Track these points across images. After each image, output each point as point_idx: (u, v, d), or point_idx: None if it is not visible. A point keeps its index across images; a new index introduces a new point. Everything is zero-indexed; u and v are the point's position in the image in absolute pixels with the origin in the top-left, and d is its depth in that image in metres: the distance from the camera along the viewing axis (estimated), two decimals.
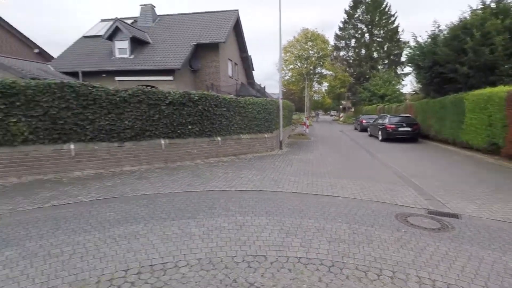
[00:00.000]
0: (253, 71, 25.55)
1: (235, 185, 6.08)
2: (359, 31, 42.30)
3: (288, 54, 40.69)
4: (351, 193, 5.75)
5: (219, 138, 9.11)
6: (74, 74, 15.94)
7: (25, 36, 18.83)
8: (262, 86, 24.55)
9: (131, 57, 16.42)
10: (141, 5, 20.26)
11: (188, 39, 17.33)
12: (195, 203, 4.90)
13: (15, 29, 18.11)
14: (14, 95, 5.92)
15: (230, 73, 20.12)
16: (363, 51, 42.48)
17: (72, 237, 3.54)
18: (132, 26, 17.94)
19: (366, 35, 41.95)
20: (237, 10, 20.06)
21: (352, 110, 46.60)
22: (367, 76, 39.07)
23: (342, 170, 7.96)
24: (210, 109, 8.73)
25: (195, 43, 16.92)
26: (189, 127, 8.38)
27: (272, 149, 10.76)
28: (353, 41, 43.22)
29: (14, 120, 5.96)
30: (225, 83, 18.46)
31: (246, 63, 24.09)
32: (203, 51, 17.53)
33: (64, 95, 6.39)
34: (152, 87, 9.48)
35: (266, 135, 10.49)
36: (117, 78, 15.87)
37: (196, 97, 8.37)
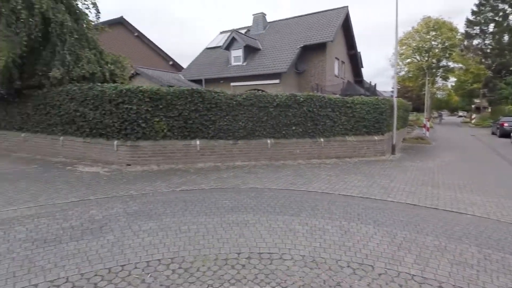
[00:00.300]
0: (361, 68, 24.06)
1: (338, 188, 5.92)
2: (501, 13, 33.60)
3: (404, 47, 36.38)
4: (483, 211, 4.77)
5: (322, 139, 9.02)
6: (198, 82, 18.65)
7: (163, 51, 23.16)
8: (372, 83, 22.68)
9: (244, 64, 17.99)
10: (253, 14, 21.93)
11: (295, 42, 17.74)
12: (298, 201, 5.03)
13: (156, 46, 22.52)
14: (158, 100, 7.43)
15: (336, 72, 19.54)
16: (505, 38, 33.64)
17: (197, 218, 4.20)
18: (245, 35, 19.64)
19: (511, 17, 33.12)
20: (347, 7, 19.26)
21: (489, 110, 37.78)
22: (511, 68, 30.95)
23: (473, 183, 6.64)
24: (314, 110, 8.75)
25: (301, 45, 17.17)
26: (293, 128, 8.62)
27: (383, 154, 9.90)
28: (491, 26, 34.68)
29: (157, 119, 7.48)
30: (330, 83, 18.05)
31: (354, 61, 22.86)
32: (309, 52, 17.62)
33: (193, 100, 7.64)
34: (262, 90, 10.18)
35: (376, 138, 9.74)
36: (232, 84, 17.70)
37: (301, 99, 8.54)
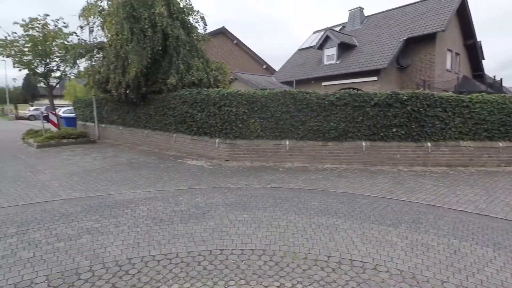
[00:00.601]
0: (482, 61, 20.08)
1: (448, 202, 5.12)
2: None
3: None
4: None
5: (428, 144, 7.93)
6: (289, 83, 18.98)
7: (258, 56, 24.44)
8: (497, 78, 18.60)
9: (338, 62, 17.38)
10: (349, 10, 20.93)
11: (397, 35, 16.13)
12: (397, 212, 4.59)
13: (252, 51, 23.92)
14: (254, 102, 7.93)
15: (448, 66, 16.89)
16: None
17: (286, 215, 4.32)
18: (340, 32, 18.94)
19: None
20: None
21: None
22: None
23: None
24: (421, 109, 7.76)
25: (405, 38, 15.50)
26: (394, 129, 7.85)
27: (510, 164, 8.08)
28: None
29: (252, 120, 7.99)
30: (441, 79, 15.71)
31: (473, 52, 19.25)
32: (414, 45, 15.75)
33: (285, 101, 7.85)
34: (357, 89, 9.64)
35: (501, 144, 8.01)
36: (323, 83, 17.36)
37: (405, 97, 7.71)
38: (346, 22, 21.08)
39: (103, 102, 13.20)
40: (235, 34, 22.62)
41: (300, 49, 22.42)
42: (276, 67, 24.16)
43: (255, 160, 8.09)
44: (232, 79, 16.80)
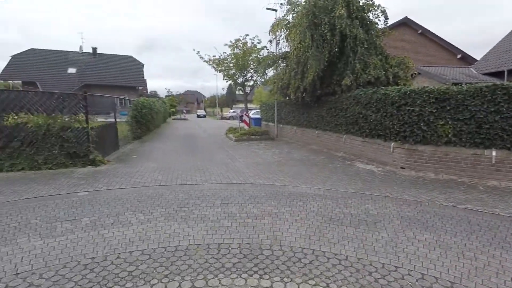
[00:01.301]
0: None
1: None
2: None
3: None
4: None
5: None
6: (497, 75, 14.54)
7: (450, 44, 20.09)
8: None
9: None
10: None
11: None
12: None
13: (442, 39, 19.91)
14: (446, 100, 6.59)
15: None
16: None
17: (486, 248, 3.34)
18: None
19: None
20: None
21: None
22: None
23: None
24: None
25: None
26: None
27: None
28: None
29: (442, 122, 6.66)
30: None
31: None
32: None
33: (494, 98, 6.04)
34: None
35: None
36: None
37: None
38: None
39: (282, 105, 14.95)
40: (420, 23, 19.66)
41: None
42: (476, 55, 19.10)
43: (441, 171, 6.75)
44: (414, 74, 14.75)
